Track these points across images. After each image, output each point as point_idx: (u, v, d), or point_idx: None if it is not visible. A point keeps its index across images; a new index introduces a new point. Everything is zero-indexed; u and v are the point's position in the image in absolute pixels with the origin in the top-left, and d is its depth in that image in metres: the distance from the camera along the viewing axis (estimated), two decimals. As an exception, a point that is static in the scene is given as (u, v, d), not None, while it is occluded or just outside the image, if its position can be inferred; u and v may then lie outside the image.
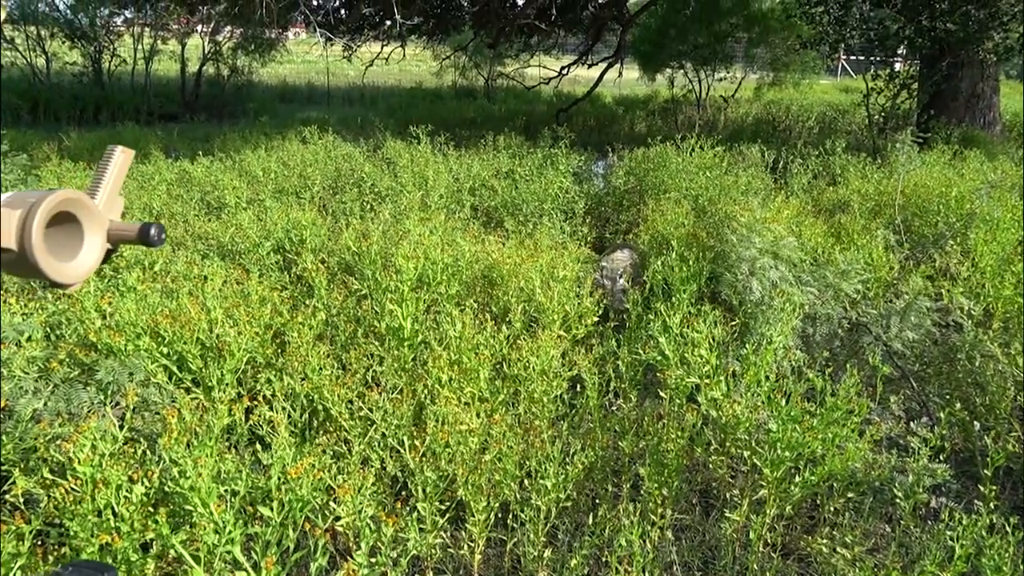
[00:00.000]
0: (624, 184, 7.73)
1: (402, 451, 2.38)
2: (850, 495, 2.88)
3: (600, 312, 4.11)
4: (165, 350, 3.01)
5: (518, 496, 2.49)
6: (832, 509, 2.98)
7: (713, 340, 3.06)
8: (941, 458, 3.04)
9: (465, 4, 16.17)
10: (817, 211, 5.87)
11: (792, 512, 2.92)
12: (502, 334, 3.06)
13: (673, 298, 3.34)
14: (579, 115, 17.48)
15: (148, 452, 2.19)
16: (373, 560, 1.92)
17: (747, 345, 2.86)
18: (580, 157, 8.83)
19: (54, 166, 7.63)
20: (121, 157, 0.63)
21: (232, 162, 8.30)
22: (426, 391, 2.76)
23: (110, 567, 0.70)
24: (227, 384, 2.97)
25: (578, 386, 3.18)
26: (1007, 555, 1.98)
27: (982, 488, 2.61)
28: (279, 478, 2.07)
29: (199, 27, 19.59)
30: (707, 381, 2.89)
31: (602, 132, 16.25)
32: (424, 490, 2.26)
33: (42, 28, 18.12)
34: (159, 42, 20.14)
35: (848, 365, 2.70)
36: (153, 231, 0.63)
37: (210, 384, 2.94)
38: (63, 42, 18.07)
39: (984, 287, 4.20)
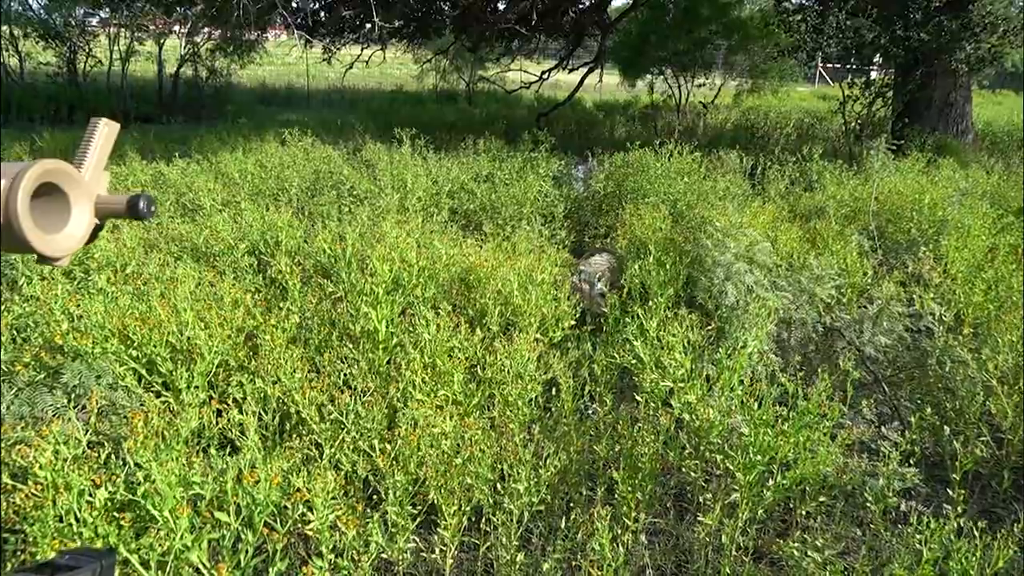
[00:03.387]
0: (603, 188, 7.75)
1: (372, 454, 2.36)
2: (822, 499, 2.89)
3: (577, 316, 4.11)
4: (134, 353, 2.96)
5: (491, 500, 2.47)
6: (804, 513, 2.99)
7: (688, 344, 3.07)
8: (911, 462, 3.07)
9: (446, 8, 16.17)
10: (793, 216, 5.92)
11: (765, 516, 2.93)
12: (476, 337, 3.05)
13: (650, 302, 3.35)
14: (560, 120, 17.53)
15: (113, 456, 2.15)
16: (336, 562, 1.90)
17: (720, 349, 2.86)
18: (560, 161, 8.85)
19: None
20: (105, 130, 0.61)
21: (209, 164, 8.22)
22: (399, 394, 2.74)
23: (109, 552, 0.68)
24: (197, 387, 2.93)
25: (554, 389, 3.18)
26: (974, 559, 2.00)
27: (951, 492, 2.64)
28: (235, 482, 2.04)
29: (176, 28, 19.40)
30: (681, 385, 2.90)
31: (582, 136, 16.28)
32: (394, 493, 2.24)
33: (15, 27, 17.86)
34: (136, 43, 19.91)
35: (820, 370, 2.72)
36: (142, 203, 0.61)
37: (180, 387, 2.90)
38: (37, 42, 17.82)
39: (955, 293, 4.25)
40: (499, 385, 2.84)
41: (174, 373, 2.95)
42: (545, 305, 3.48)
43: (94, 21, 18.98)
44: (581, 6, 16.21)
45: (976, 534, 2.18)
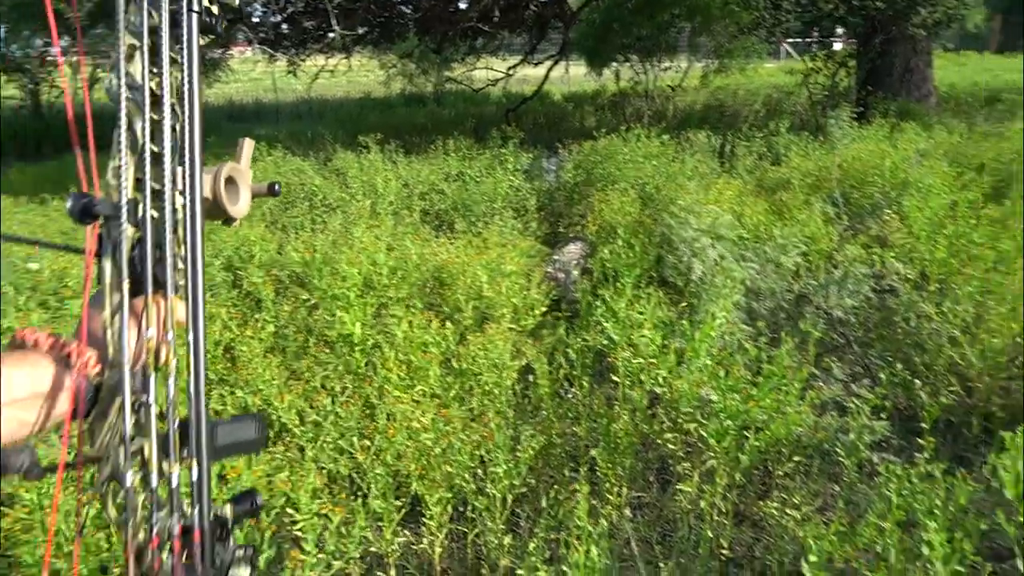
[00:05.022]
0: (573, 178, 7.82)
1: (353, 451, 2.41)
2: (797, 459, 2.97)
3: (551, 303, 4.18)
4: (114, 374, 2.99)
5: (473, 486, 2.53)
6: (782, 473, 3.07)
7: (658, 321, 3.14)
8: (883, 416, 3.15)
9: (407, 11, 16.18)
10: (760, 190, 6.02)
11: (744, 480, 3.00)
12: (448, 330, 3.11)
13: (618, 283, 3.42)
14: (529, 114, 17.59)
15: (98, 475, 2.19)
16: (321, 554, 1.95)
17: (684, 322, 2.94)
18: (529, 155, 8.91)
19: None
20: (249, 143, 0.93)
21: (180, 184, 8.21)
22: (376, 392, 2.79)
23: (257, 415, 0.81)
24: (180, 403, 2.97)
25: (531, 376, 3.24)
26: (936, 499, 2.08)
27: (921, 441, 2.72)
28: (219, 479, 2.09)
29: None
30: (652, 361, 2.97)
31: (552, 129, 16.36)
32: (375, 486, 2.29)
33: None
34: (98, 70, 19.76)
35: (784, 334, 2.80)
36: (277, 187, 0.91)
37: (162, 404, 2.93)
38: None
39: (918, 251, 4.35)
40: (474, 376, 2.90)
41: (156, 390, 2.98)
42: (515, 295, 3.55)
43: (55, 51, 18.81)
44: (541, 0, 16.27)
45: (939, 475, 2.26)
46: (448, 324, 3.22)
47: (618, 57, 18.14)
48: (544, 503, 2.38)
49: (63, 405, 0.66)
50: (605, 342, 3.03)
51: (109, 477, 0.68)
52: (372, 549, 2.49)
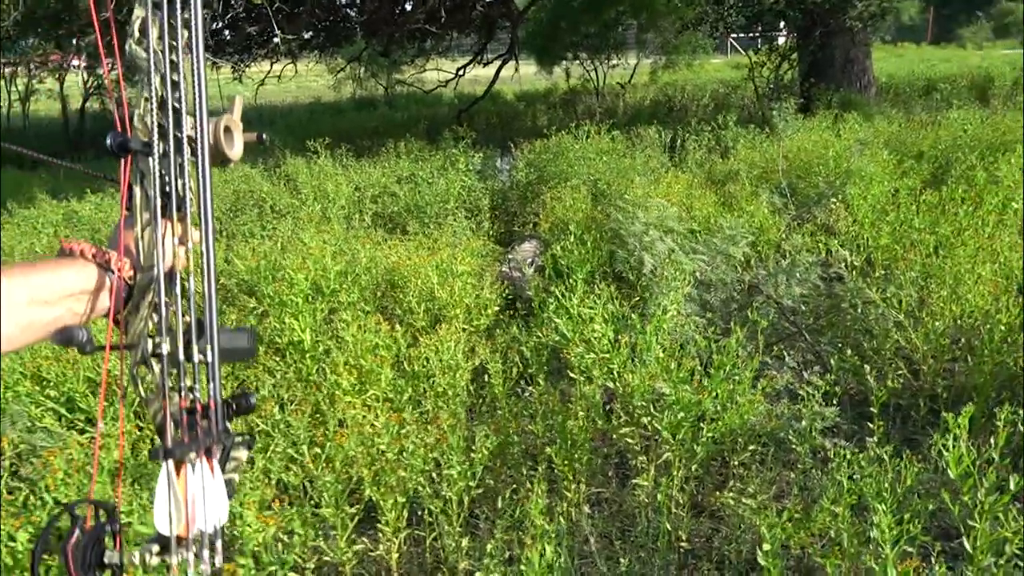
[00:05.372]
0: (525, 177, 7.82)
1: (302, 459, 2.36)
2: (752, 448, 2.99)
3: (506, 302, 4.16)
4: (52, 392, 2.89)
5: (428, 490, 2.49)
6: (738, 463, 3.09)
7: (609, 315, 3.14)
8: (835, 403, 3.20)
9: (353, 14, 16.00)
10: (709, 183, 6.08)
11: (701, 471, 3.02)
12: (398, 332, 3.06)
13: (569, 279, 3.41)
14: (481, 114, 17.56)
15: (32, 496, 2.10)
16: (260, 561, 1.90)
17: (634, 316, 2.94)
18: (480, 155, 8.89)
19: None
20: (240, 99, 1.03)
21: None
22: (326, 398, 2.74)
23: (251, 328, 1.02)
24: (127, 420, 2.87)
25: (486, 376, 3.21)
26: (885, 482, 2.11)
27: (871, 425, 2.77)
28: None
29: (75, 62, 18.70)
30: (604, 355, 2.97)
31: (505, 128, 16.35)
32: (325, 494, 2.24)
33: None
34: (35, 81, 19.17)
35: (733, 323, 2.82)
36: (263, 136, 1.03)
37: (105, 422, 2.83)
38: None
39: (863, 238, 4.44)
40: (427, 378, 2.86)
41: (96, 408, 2.89)
42: (467, 295, 3.51)
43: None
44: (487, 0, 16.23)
45: (887, 459, 2.29)
46: (399, 327, 3.17)
47: (567, 55, 18.25)
48: (501, 503, 2.35)
49: (104, 301, 0.83)
50: (558, 338, 3.02)
51: (140, 361, 0.83)
52: (327, 559, 2.44)
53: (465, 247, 4.28)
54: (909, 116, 9.71)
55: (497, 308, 3.59)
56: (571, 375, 3.13)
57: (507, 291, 4.22)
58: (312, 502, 2.36)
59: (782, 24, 11.90)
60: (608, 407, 3.18)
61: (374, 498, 2.39)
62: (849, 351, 3.71)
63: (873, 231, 4.48)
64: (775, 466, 3.13)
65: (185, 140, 0.85)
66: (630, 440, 3.04)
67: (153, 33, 0.84)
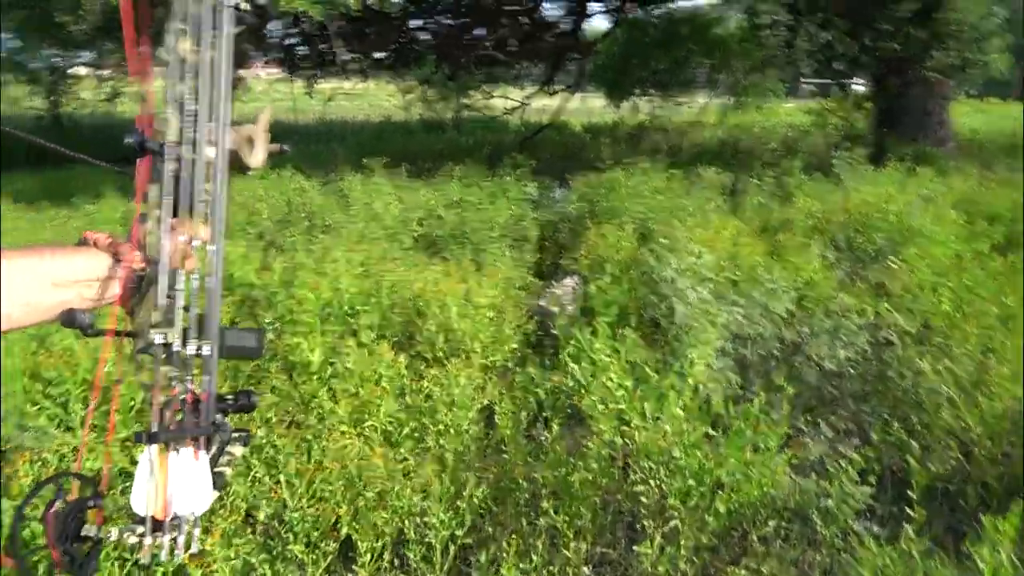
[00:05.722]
0: (577, 210, 7.68)
1: (280, 491, 2.23)
2: (771, 523, 2.75)
3: (535, 337, 4.01)
4: (53, 391, 2.85)
5: (414, 535, 2.34)
6: (759, 537, 2.85)
7: (629, 364, 2.96)
8: (872, 480, 2.94)
9: (424, 37, 16.23)
10: (762, 230, 5.82)
11: (715, 542, 2.79)
12: (400, 363, 2.93)
13: (594, 322, 3.23)
14: (546, 143, 17.52)
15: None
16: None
17: (648, 368, 2.75)
18: (533, 184, 8.79)
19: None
20: (268, 110, 1.08)
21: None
22: (316, 425, 2.62)
23: (261, 330, 0.96)
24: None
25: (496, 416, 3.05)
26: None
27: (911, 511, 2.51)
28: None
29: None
30: (618, 407, 2.78)
31: (569, 159, 16.23)
32: (292, 531, 2.11)
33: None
34: (122, 84, 20.01)
35: (759, 388, 2.61)
36: (285, 147, 1.07)
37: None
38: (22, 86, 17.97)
39: (920, 302, 4.13)
40: (430, 413, 2.72)
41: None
42: (483, 330, 3.35)
43: (78, 63, 19.06)
44: (558, 30, 16.28)
45: (918, 557, 2.05)
46: (410, 357, 3.05)
47: (636, 90, 18.13)
48: (483, 558, 2.18)
49: (114, 289, 0.88)
50: (571, 384, 2.84)
51: (142, 349, 0.85)
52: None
53: (489, 278, 4.14)
54: (988, 175, 9.21)
55: (515, 345, 3.42)
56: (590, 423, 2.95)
57: (536, 326, 4.06)
58: (284, 536, 2.23)
59: (856, 71, 11.53)
60: (626, 461, 2.98)
61: (353, 537, 2.26)
62: (895, 424, 3.43)
63: (932, 295, 4.17)
64: (799, 544, 2.87)
65: (203, 145, 0.88)
66: (645, 499, 2.83)
67: (183, 41, 0.87)
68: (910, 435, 3.49)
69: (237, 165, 0.97)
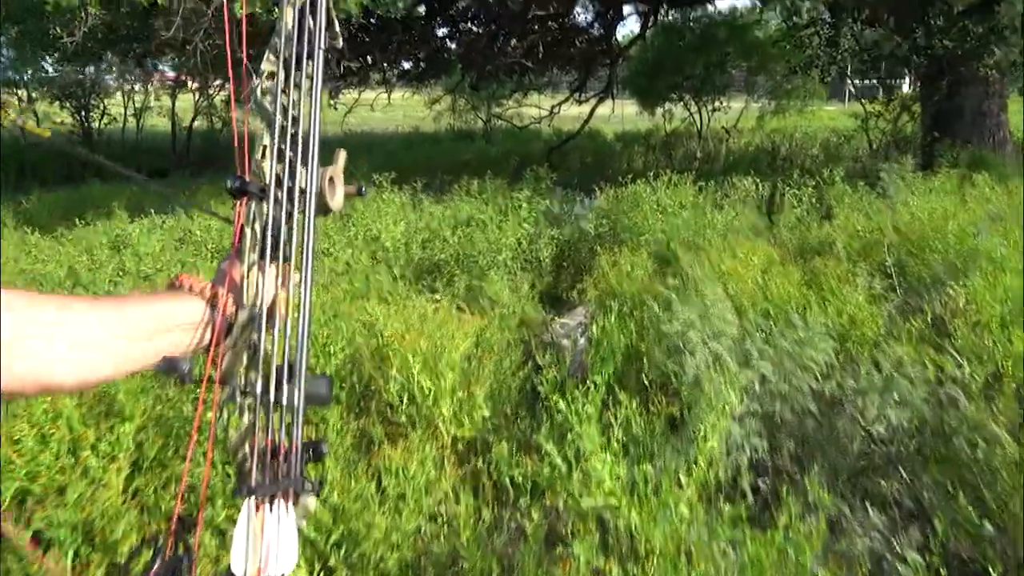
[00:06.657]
0: (596, 228, 7.07)
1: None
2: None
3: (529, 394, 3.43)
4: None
5: None
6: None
7: (624, 441, 2.36)
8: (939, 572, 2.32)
9: (451, 46, 15.80)
10: (799, 253, 5.14)
11: None
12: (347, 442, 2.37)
13: (588, 381, 2.64)
14: (576, 152, 16.95)
15: None
16: None
17: (653, 440, 2.15)
18: (553, 199, 8.22)
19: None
20: (343, 153, 1.04)
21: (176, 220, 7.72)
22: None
23: (329, 377, 0.93)
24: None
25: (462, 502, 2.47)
26: None
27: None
28: None
29: (190, 83, 19.44)
30: (611, 499, 2.19)
31: (599, 169, 15.58)
32: None
33: (32, 90, 18.13)
34: (151, 98, 20.09)
35: (786, 493, 2.00)
36: (363, 189, 1.04)
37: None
38: (52, 102, 18.02)
39: (987, 345, 3.44)
40: (358, 515, 2.15)
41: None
42: (443, 400, 2.75)
43: (108, 78, 19.13)
44: (588, 36, 15.69)
45: None
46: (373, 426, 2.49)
47: (670, 96, 17.43)
48: None
49: (207, 336, 0.87)
50: (547, 470, 2.25)
51: (229, 398, 0.85)
52: None
53: (467, 322, 3.54)
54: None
55: (487, 414, 2.82)
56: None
57: (527, 373, 3.48)
58: None
59: (904, 70, 10.71)
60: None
61: None
62: (962, 499, 2.78)
63: (1003, 336, 3.47)
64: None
65: (297, 190, 0.89)
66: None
67: (278, 85, 0.89)
68: (981, 516, 2.84)
69: (319, 207, 0.96)
